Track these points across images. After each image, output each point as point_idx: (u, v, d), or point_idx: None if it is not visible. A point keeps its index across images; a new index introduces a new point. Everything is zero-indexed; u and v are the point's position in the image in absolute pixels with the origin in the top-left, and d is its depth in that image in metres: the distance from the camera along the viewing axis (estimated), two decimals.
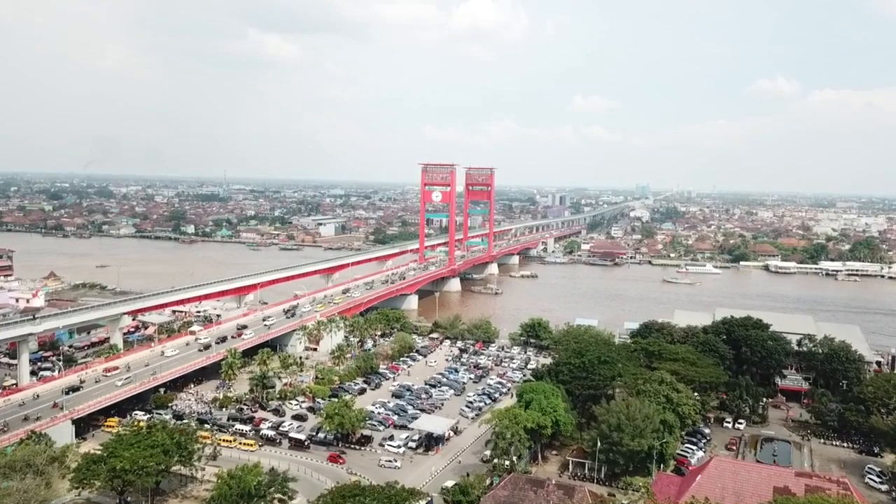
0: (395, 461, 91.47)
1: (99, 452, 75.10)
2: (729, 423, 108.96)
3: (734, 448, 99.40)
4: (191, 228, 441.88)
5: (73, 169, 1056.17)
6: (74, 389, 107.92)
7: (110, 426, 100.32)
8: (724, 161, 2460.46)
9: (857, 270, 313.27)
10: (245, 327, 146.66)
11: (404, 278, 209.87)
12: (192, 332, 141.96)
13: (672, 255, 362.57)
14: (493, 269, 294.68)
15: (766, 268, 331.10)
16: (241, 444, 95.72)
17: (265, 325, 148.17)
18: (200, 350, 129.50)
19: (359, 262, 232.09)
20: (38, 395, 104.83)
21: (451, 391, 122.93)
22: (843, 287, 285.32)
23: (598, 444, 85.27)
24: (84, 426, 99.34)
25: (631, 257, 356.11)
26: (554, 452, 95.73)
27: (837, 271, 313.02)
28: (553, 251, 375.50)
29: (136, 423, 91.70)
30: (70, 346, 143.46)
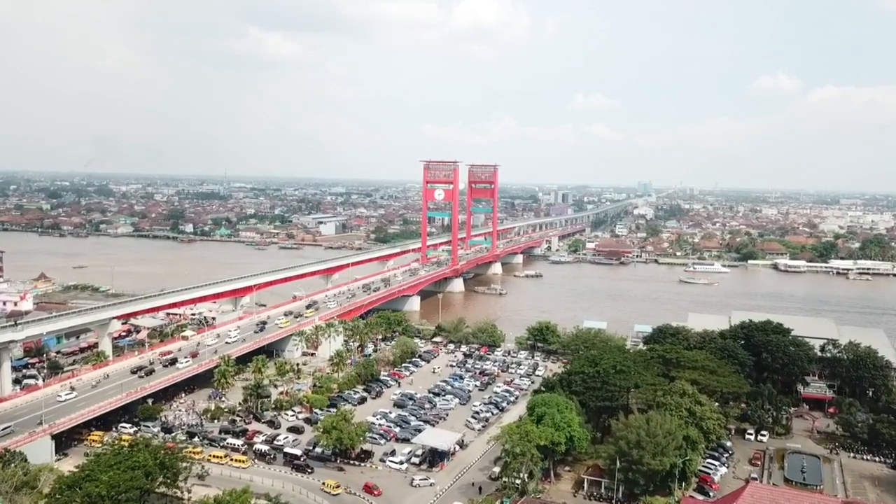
0: (429, 478, 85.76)
1: (75, 474, 68.82)
2: (751, 434, 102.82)
3: (759, 463, 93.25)
4: (189, 227, 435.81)
5: (75, 168, 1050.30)
6: (148, 373, 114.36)
7: (94, 440, 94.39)
8: (726, 159, 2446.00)
9: (868, 269, 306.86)
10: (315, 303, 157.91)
11: (390, 284, 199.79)
12: (185, 338, 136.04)
13: (678, 253, 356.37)
14: (497, 268, 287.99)
15: (775, 266, 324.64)
16: (232, 460, 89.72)
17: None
18: (141, 377, 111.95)
19: (359, 263, 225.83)
20: (108, 375, 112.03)
21: (456, 400, 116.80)
22: (855, 286, 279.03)
23: (617, 462, 79.19)
24: (66, 441, 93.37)
25: (637, 256, 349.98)
26: (567, 469, 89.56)
27: (848, 270, 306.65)
28: (557, 250, 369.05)
29: (118, 439, 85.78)
30: (57, 352, 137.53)
